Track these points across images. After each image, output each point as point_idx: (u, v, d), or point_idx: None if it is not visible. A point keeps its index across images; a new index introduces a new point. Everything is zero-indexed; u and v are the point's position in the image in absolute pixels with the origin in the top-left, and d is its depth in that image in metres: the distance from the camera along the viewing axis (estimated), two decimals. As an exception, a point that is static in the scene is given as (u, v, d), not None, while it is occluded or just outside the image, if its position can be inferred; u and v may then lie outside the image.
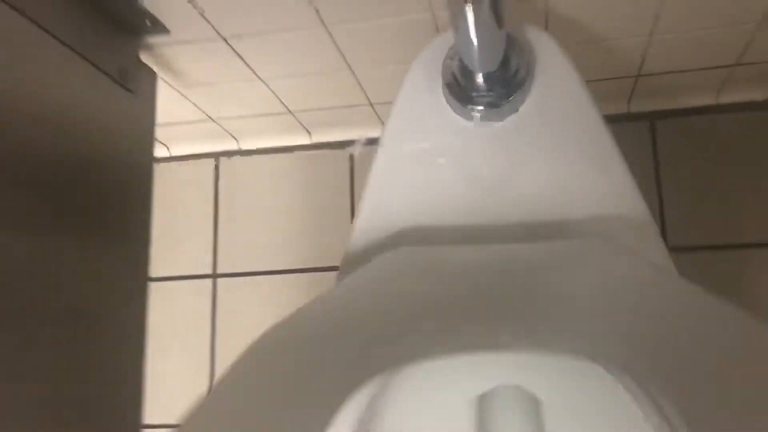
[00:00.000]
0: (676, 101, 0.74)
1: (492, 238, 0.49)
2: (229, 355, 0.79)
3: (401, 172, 0.50)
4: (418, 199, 0.50)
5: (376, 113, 0.77)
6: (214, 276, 0.81)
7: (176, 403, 0.79)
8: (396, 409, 0.53)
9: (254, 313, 0.80)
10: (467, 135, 0.50)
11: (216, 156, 0.85)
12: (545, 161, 0.49)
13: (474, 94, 0.49)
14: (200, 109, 0.75)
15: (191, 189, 0.85)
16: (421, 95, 0.51)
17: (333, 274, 0.78)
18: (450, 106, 0.50)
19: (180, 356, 0.79)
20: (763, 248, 0.71)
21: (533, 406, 0.58)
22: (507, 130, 0.50)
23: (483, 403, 0.59)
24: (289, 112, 0.76)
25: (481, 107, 0.48)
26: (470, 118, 0.50)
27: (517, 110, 0.49)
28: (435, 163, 0.50)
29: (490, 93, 0.49)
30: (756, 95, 0.73)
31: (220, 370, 0.78)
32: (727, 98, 0.74)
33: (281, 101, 0.74)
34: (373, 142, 0.77)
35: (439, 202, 0.50)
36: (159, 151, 0.85)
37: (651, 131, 0.75)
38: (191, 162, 0.85)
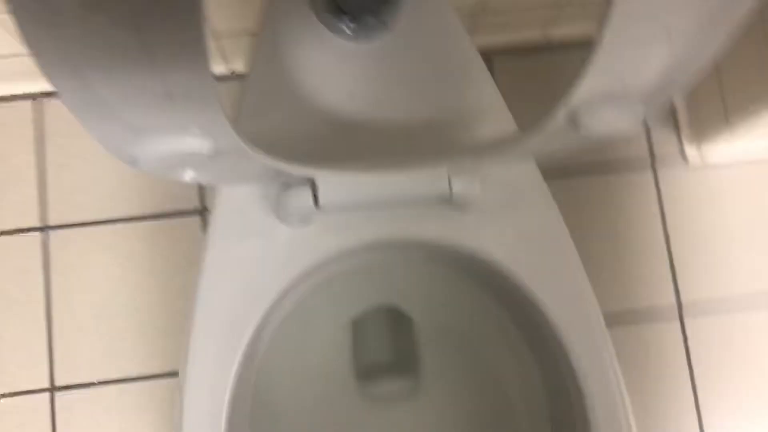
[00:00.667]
0: (510, 36, 0.78)
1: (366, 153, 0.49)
2: (68, 315, 0.72)
3: (276, 89, 0.49)
4: (291, 115, 0.49)
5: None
6: (44, 228, 0.73)
7: (10, 371, 0.71)
8: (278, 338, 0.52)
9: (95, 266, 0.74)
10: (341, 52, 0.50)
11: (36, 96, 0.76)
12: (418, 78, 0.50)
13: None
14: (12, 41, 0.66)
15: (8, 134, 0.75)
16: (291, 16, 0.50)
17: (179, 220, 0.75)
18: (323, 23, 0.49)
19: (12, 321, 0.72)
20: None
21: (406, 324, 0.59)
22: (380, 47, 0.49)
23: (356, 327, 0.59)
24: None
25: (352, 24, 0.48)
26: (344, 35, 0.49)
27: (388, 28, 0.49)
28: (309, 81, 0.49)
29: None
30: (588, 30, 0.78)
31: (60, 331, 0.72)
32: (558, 34, 0.79)
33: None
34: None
35: (313, 117, 0.49)
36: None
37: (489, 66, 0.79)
38: (6, 104, 0.76)
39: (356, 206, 0.45)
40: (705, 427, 0.76)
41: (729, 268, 0.78)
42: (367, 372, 0.59)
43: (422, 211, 0.47)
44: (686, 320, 0.77)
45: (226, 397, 0.45)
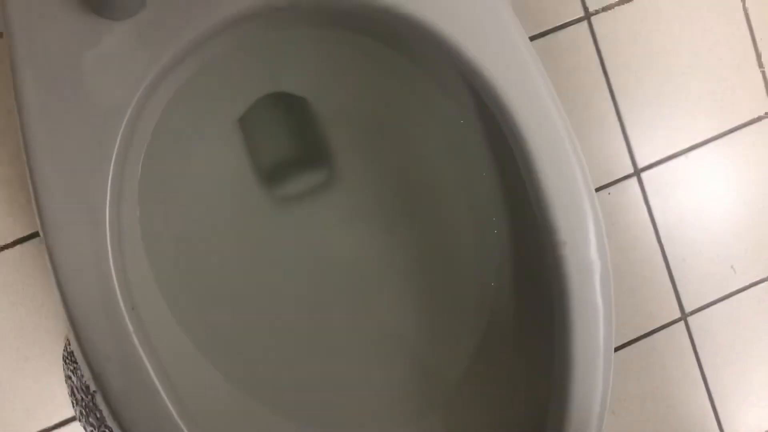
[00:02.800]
0: None
1: None
2: None
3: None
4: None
5: None
6: None
7: None
8: (154, 164, 0.43)
9: None
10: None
11: None
12: None
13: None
14: None
15: None
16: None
17: None
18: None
19: None
20: None
21: (304, 113, 0.50)
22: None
23: (246, 126, 0.50)
24: None
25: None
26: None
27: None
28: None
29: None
30: None
31: None
32: None
33: None
34: None
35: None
36: None
37: None
38: None
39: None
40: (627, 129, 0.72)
41: None
42: (271, 174, 0.51)
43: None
44: None
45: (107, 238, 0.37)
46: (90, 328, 0.39)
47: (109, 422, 0.45)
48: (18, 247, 0.61)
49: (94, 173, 0.37)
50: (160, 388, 0.40)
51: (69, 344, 0.62)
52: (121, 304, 0.39)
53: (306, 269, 0.51)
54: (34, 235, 0.61)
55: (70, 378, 0.62)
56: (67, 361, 0.62)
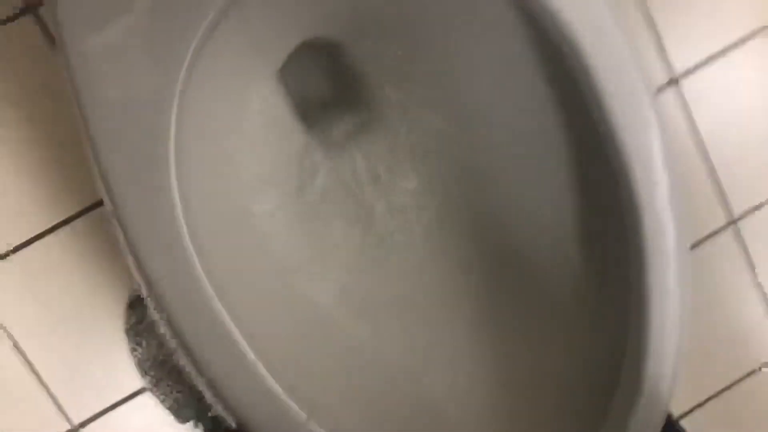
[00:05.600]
0: None
1: None
2: None
3: None
4: None
5: None
6: None
7: None
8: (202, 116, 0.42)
9: None
10: None
11: None
12: None
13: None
14: None
15: None
16: None
17: (8, 27, 0.57)
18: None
19: None
20: None
21: (336, 51, 0.49)
22: None
23: (286, 71, 0.49)
24: None
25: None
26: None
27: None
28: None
29: None
30: None
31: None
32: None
33: None
34: None
35: None
36: None
37: None
38: None
39: None
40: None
41: None
42: (313, 119, 0.50)
43: None
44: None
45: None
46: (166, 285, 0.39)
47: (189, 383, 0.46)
48: (68, 226, 0.62)
49: (155, 139, 0.38)
50: (245, 344, 0.40)
51: (131, 315, 0.63)
52: (198, 266, 0.39)
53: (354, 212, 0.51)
54: (80, 214, 0.62)
55: (135, 350, 0.63)
56: (131, 333, 0.63)
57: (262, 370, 0.41)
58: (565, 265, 0.48)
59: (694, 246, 0.74)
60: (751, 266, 0.75)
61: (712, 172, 0.73)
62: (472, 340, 0.50)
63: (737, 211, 0.74)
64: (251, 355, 0.41)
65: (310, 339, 0.50)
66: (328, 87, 0.51)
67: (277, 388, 0.41)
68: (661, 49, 0.70)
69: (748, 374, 0.79)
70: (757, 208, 0.74)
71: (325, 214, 0.52)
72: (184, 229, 0.39)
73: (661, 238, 0.42)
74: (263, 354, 0.42)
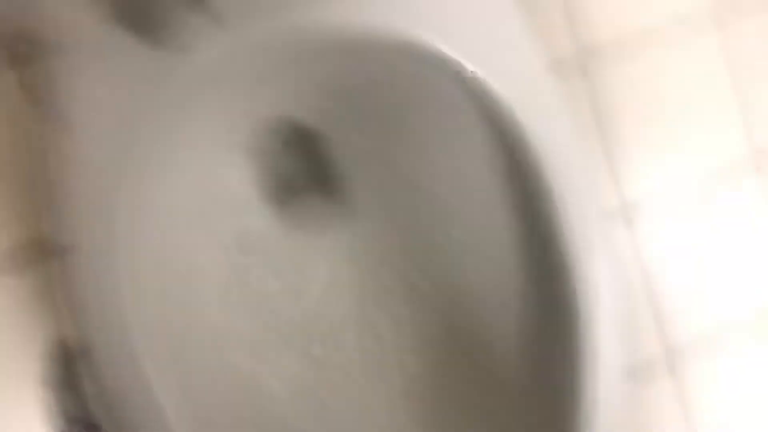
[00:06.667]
0: None
1: None
2: None
3: None
4: None
5: None
6: None
7: None
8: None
9: None
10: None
11: None
12: None
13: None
14: None
15: None
16: None
17: None
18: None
19: None
20: None
21: (309, 137, 0.50)
22: None
23: (254, 152, 0.50)
24: None
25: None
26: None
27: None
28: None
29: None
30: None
31: None
32: None
33: None
34: None
35: None
36: None
37: None
38: None
39: None
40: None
41: None
42: (282, 199, 0.51)
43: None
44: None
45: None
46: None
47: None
48: None
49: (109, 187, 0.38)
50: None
51: (51, 369, 0.60)
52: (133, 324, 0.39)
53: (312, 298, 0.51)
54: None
55: (52, 408, 0.60)
56: (47, 386, 0.60)
57: None
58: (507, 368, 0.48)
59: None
60: (685, 404, 0.77)
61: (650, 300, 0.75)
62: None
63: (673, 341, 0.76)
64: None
65: (241, 414, 0.48)
66: (301, 170, 0.51)
67: None
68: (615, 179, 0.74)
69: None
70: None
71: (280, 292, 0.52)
72: (123, 288, 0.40)
73: (598, 360, 0.43)
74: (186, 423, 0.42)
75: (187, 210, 0.45)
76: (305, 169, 0.50)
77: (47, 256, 0.49)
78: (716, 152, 0.76)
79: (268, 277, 0.49)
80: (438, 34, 0.41)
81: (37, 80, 0.41)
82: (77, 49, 0.38)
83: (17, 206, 0.58)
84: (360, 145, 0.48)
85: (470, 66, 0.41)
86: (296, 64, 0.44)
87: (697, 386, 0.76)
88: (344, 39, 0.40)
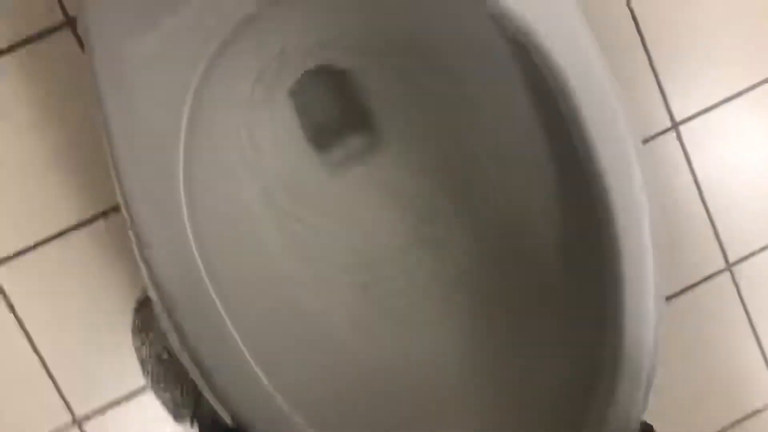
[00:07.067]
0: None
1: None
2: None
3: None
4: None
5: None
6: None
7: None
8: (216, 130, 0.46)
9: None
10: None
11: None
12: None
13: None
14: None
15: None
16: None
17: (49, 40, 0.63)
18: None
19: None
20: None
21: (340, 76, 0.53)
22: None
23: (297, 90, 0.53)
24: None
25: None
26: None
27: None
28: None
29: None
30: None
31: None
32: None
33: None
34: None
35: None
36: None
37: None
38: None
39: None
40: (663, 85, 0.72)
41: None
42: (321, 139, 0.54)
43: None
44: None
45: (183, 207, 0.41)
46: (173, 287, 0.42)
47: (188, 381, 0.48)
48: (84, 228, 0.66)
49: (166, 147, 0.41)
50: (244, 348, 0.43)
51: (138, 316, 0.66)
52: (204, 273, 0.42)
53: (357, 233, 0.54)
54: (99, 216, 0.66)
55: (139, 349, 0.66)
56: (137, 332, 0.66)
57: (260, 372, 0.44)
58: (549, 279, 0.50)
59: (692, 287, 0.76)
60: (746, 310, 0.76)
61: (709, 215, 0.75)
62: (464, 345, 0.53)
63: (733, 257, 0.76)
64: (250, 359, 0.44)
65: (305, 345, 0.52)
66: (336, 109, 0.54)
67: (272, 391, 0.44)
68: (664, 95, 0.73)
69: (743, 418, 0.80)
70: (752, 255, 0.76)
71: (328, 231, 0.55)
72: (192, 241, 0.42)
73: (640, 265, 0.44)
74: (261, 357, 0.45)
75: (236, 161, 0.49)
76: (340, 110, 0.53)
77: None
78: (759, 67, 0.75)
79: (317, 217, 0.53)
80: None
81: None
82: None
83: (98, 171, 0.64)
84: (390, 77, 0.51)
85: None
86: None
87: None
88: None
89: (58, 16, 0.63)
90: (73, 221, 0.65)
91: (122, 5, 0.39)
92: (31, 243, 0.64)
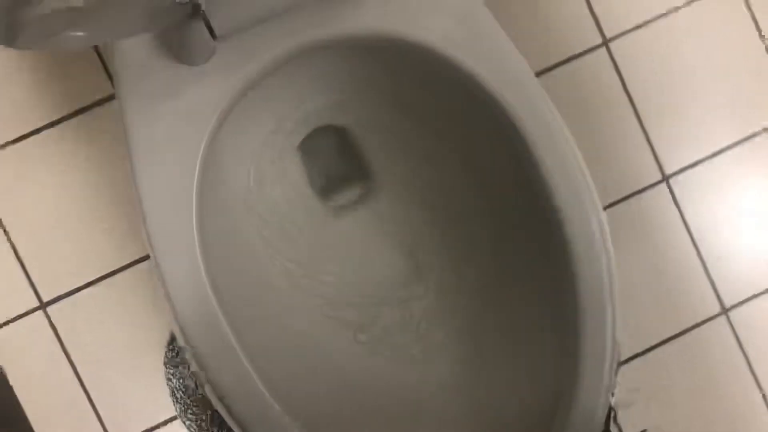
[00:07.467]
0: None
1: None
2: (27, 235, 0.73)
3: None
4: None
5: None
6: None
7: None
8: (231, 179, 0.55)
9: (32, 180, 0.73)
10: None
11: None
12: None
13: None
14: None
15: None
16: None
17: (98, 110, 0.74)
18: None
19: None
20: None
21: (342, 132, 0.62)
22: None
23: (304, 146, 0.62)
24: None
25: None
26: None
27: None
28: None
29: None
30: None
31: (27, 252, 0.73)
32: None
33: None
34: None
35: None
36: None
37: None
38: None
39: (253, 20, 0.45)
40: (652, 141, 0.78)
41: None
42: (325, 189, 0.62)
43: (322, 9, 0.47)
44: None
45: (197, 251, 0.48)
46: (193, 326, 0.49)
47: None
48: (128, 270, 0.75)
49: (181, 198, 0.48)
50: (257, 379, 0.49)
51: (169, 350, 0.74)
52: (218, 311, 0.49)
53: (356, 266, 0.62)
54: (138, 261, 0.75)
55: (170, 380, 0.73)
56: (168, 365, 0.73)
57: (272, 401, 0.50)
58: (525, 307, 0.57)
59: (688, 330, 0.79)
60: (744, 353, 0.79)
61: (703, 263, 0.79)
62: (450, 368, 0.59)
63: (728, 302, 0.79)
64: (264, 391, 0.49)
65: (306, 367, 0.59)
66: (336, 161, 0.63)
67: (282, 414, 0.50)
68: (653, 150, 0.78)
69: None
70: (747, 300, 0.79)
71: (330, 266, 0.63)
72: (207, 285, 0.49)
73: (598, 294, 0.50)
74: (270, 384, 0.50)
75: (241, 201, 0.58)
76: (343, 164, 0.62)
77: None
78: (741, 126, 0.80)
79: (316, 251, 0.61)
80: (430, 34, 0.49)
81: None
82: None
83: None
84: (382, 131, 0.59)
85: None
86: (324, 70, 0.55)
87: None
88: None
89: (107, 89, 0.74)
90: (117, 265, 0.74)
91: (149, 71, 0.47)
92: (81, 283, 0.74)
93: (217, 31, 0.44)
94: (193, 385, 0.72)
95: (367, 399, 0.58)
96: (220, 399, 0.50)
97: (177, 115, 0.46)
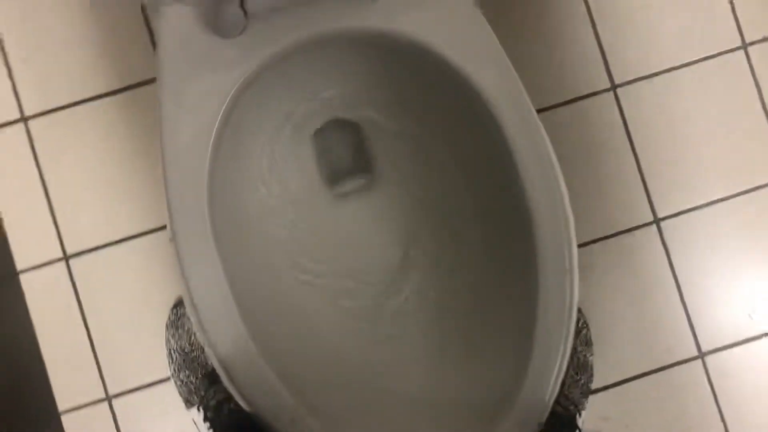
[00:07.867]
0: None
1: None
2: (64, 191, 0.81)
3: None
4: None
5: None
6: (24, 119, 0.81)
7: (23, 248, 0.81)
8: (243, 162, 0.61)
9: (80, 144, 0.81)
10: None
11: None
12: None
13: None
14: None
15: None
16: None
17: (147, 87, 0.81)
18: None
19: (15, 203, 0.81)
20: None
21: (354, 127, 0.69)
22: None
23: (318, 134, 0.69)
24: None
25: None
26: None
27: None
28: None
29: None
30: None
31: (60, 206, 0.81)
32: None
33: None
34: None
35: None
36: None
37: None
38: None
39: (282, 3, 0.52)
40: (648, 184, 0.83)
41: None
42: (331, 176, 0.68)
43: (344, 4, 0.53)
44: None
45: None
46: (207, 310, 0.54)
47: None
48: (148, 236, 0.82)
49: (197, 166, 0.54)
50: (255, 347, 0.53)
51: (173, 313, 0.79)
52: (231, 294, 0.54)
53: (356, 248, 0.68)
54: (157, 229, 0.82)
55: (169, 341, 0.78)
56: (169, 326, 0.79)
57: (267, 366, 0.53)
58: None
59: (665, 368, 0.83)
60: (716, 398, 0.82)
61: (684, 306, 0.83)
62: (432, 352, 0.64)
63: (705, 347, 0.83)
64: (259, 355, 0.53)
65: (301, 343, 0.64)
66: (344, 152, 0.69)
67: (279, 385, 0.53)
68: (648, 193, 0.83)
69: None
70: (724, 348, 0.83)
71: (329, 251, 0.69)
72: (218, 259, 0.53)
73: (558, 290, 0.54)
74: (267, 349, 0.54)
75: (255, 180, 0.64)
76: (351, 157, 0.68)
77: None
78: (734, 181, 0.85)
79: (320, 234, 0.67)
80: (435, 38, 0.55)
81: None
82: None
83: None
84: (389, 130, 0.65)
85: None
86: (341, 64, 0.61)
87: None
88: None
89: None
90: (139, 230, 0.81)
91: (188, 41, 0.54)
92: (104, 242, 0.81)
93: (248, 9, 0.51)
94: (188, 348, 0.77)
95: (342, 362, 0.64)
96: (221, 363, 0.54)
97: (204, 78, 0.53)
